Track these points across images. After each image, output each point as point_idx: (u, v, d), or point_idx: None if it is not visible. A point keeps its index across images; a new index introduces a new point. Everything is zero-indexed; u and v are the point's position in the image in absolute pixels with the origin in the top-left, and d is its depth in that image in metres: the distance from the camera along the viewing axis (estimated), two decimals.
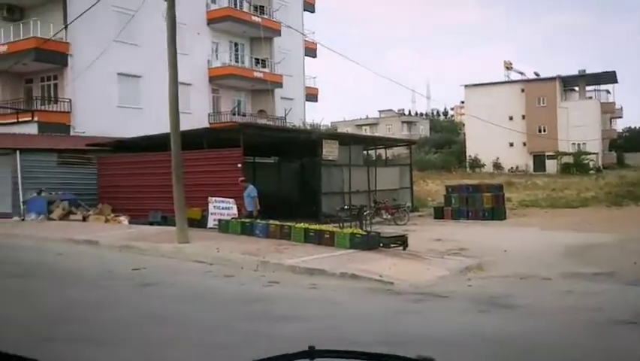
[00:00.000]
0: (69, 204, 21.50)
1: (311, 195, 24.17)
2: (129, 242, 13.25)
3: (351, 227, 14.24)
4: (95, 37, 27.30)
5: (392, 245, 13.13)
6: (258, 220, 14.33)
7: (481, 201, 24.19)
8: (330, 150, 22.12)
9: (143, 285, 9.35)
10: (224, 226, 15.09)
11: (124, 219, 19.80)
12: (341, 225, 15.06)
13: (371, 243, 12.38)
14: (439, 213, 24.87)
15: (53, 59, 27.19)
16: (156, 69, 31.92)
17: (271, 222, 14.10)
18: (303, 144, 24.00)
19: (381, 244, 12.61)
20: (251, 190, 16.11)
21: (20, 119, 25.85)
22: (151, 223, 18.36)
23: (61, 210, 20.99)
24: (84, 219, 20.40)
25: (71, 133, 27.38)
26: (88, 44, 27.58)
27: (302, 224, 13.72)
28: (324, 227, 13.14)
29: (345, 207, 16.29)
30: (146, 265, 11.02)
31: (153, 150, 20.80)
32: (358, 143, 25.87)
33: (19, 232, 16.67)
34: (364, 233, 12.53)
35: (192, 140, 19.32)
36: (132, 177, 20.82)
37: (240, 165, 18.67)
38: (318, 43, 43.60)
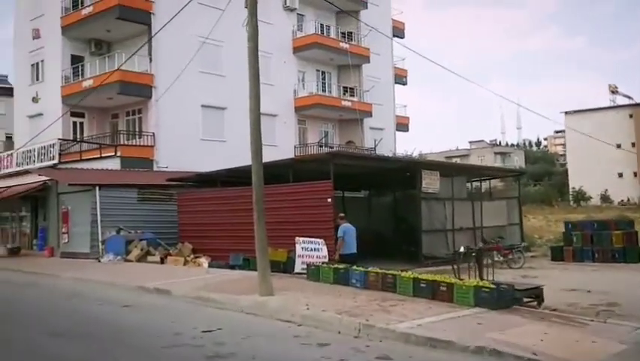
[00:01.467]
0: (147, 244, 20.04)
1: (407, 233, 21.52)
2: (205, 292, 11.19)
3: (470, 276, 11.46)
4: (178, 69, 26.32)
5: (525, 300, 10.29)
6: (355, 267, 11.87)
7: (609, 239, 20.56)
8: (431, 182, 19.42)
9: (214, 356, 7.12)
10: (314, 273, 12.75)
11: (204, 261, 17.98)
12: (455, 272, 12.32)
13: (503, 299, 9.58)
14: (557, 254, 21.41)
15: (137, 91, 26.47)
16: (241, 100, 30.50)
17: (371, 269, 11.61)
18: (398, 176, 21.48)
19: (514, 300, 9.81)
20: (347, 229, 13.76)
21: (103, 155, 25.09)
22: (232, 267, 16.35)
23: (139, 250, 19.53)
24: (162, 260, 18.80)
25: (154, 168, 26.35)
26: (172, 76, 26.60)
27: (409, 273, 11.13)
28: (438, 277, 10.48)
29: (462, 249, 13.49)
30: (221, 325, 8.83)
31: (235, 184, 19.06)
32: (461, 174, 22.94)
33: (90, 275, 15.15)
34: (493, 286, 9.77)
35: (277, 172, 17.39)
36: (213, 214, 19.07)
37: (329, 200, 16.42)
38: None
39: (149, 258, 18.97)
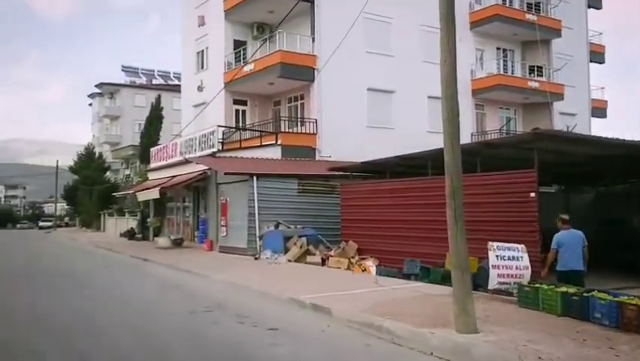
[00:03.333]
0: (308, 242, 17.63)
1: (623, 238, 16.76)
2: (376, 317, 8.17)
3: None
4: (343, 50, 23.69)
5: None
6: (598, 294, 8.02)
7: None
8: None
9: None
10: (528, 296, 9.11)
11: (371, 265, 15.01)
12: None
13: None
14: None
15: (299, 74, 24.37)
16: (411, 82, 27.66)
17: (625, 299, 7.70)
18: (617, 165, 16.75)
19: None
20: (567, 238, 9.94)
21: (264, 143, 23.35)
22: (406, 276, 13.17)
23: (299, 248, 17.18)
24: (323, 261, 16.21)
25: (316, 157, 24.10)
26: (336, 57, 24.11)
27: None
28: None
29: None
30: None
31: (408, 175, 15.92)
32: None
33: (241, 278, 12.93)
34: None
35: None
36: (382, 209, 16.05)
37: (533, 194, 12.54)
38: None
39: (309, 258, 16.50)
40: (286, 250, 17.47)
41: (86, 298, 11.12)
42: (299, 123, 25.78)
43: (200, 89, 28.74)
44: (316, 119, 24.44)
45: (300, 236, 17.87)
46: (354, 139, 24.35)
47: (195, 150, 23.73)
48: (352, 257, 16.23)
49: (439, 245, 13.64)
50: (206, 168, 21.99)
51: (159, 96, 46.16)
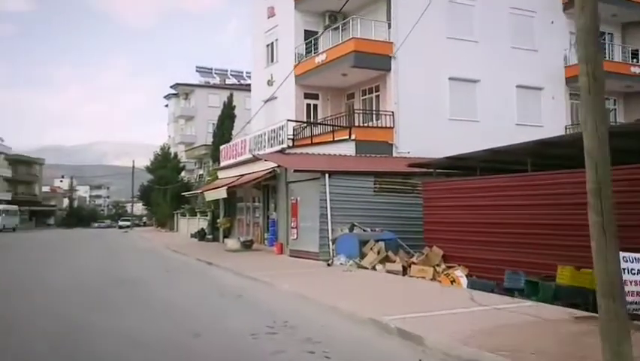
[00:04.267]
0: (386, 247, 15.78)
1: None
2: (484, 354, 6.26)
3: None
4: (422, 36, 21.68)
5: None
6: None
7: None
8: None
9: None
10: None
11: (460, 276, 12.93)
12: None
13: None
14: None
15: (374, 63, 22.53)
16: (497, 70, 25.08)
17: None
18: None
19: None
20: None
21: (337, 138, 21.64)
22: (509, 291, 11.03)
23: (376, 254, 15.35)
24: (404, 270, 14.28)
25: (393, 154, 22.17)
26: (414, 44, 22.14)
27: None
28: None
29: None
30: None
31: (498, 172, 13.85)
32: None
33: (312, 289, 11.22)
34: None
35: (556, 153, 11.77)
36: (472, 210, 13.94)
37: None
38: None
39: (388, 265, 14.61)
40: (362, 256, 15.69)
41: (137, 312, 9.79)
42: (374, 117, 23.93)
43: (269, 83, 27.43)
44: (393, 112, 22.51)
45: (377, 240, 16.03)
46: (435, 133, 22.26)
47: (264, 147, 22.38)
48: (437, 265, 14.22)
49: (547, 253, 11.47)
50: (275, 165, 20.56)
51: (231, 95, 45.58)
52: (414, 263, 14.51)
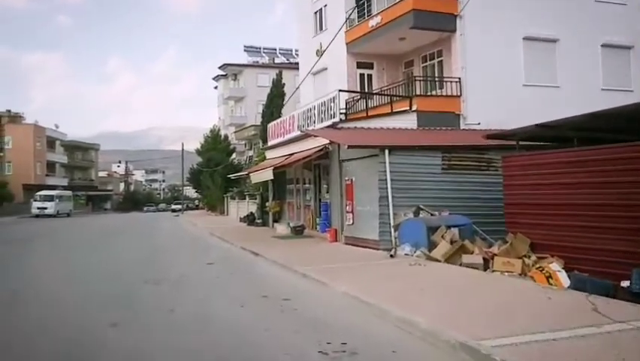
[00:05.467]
0: (460, 234, 13.30)
1: None
2: None
3: None
4: None
5: None
6: None
7: None
8: None
9: None
10: None
11: (558, 270, 10.35)
12: None
13: None
14: None
15: (436, 22, 19.82)
16: (579, 28, 21.62)
17: None
18: None
19: None
20: None
21: (395, 110, 19.12)
22: (634, 295, 8.40)
23: (449, 243, 12.88)
24: (485, 263, 11.78)
25: (460, 125, 19.49)
26: (481, 1, 19.34)
27: None
28: None
29: None
30: None
31: (594, 142, 11.13)
32: None
33: (378, 296, 8.87)
34: None
35: None
36: (569, 188, 11.28)
37: None
38: None
39: (465, 257, 12.12)
40: (431, 245, 13.25)
41: (161, 323, 7.77)
42: (437, 85, 21.25)
43: (318, 53, 25.02)
44: (459, 79, 19.76)
45: (448, 226, 13.55)
46: (508, 102, 19.50)
47: (314, 122, 20.09)
48: (525, 256, 11.69)
49: None
50: (326, 142, 18.27)
51: (280, 72, 43.44)
52: (496, 254, 11.99)
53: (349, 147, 14.99)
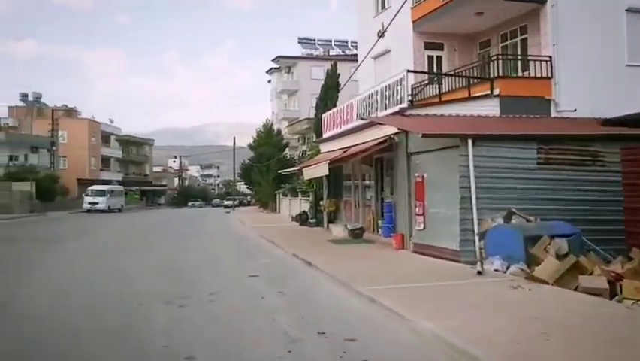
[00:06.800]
0: (569, 246, 10.42)
1: None
2: None
3: None
4: None
5: None
6: None
7: None
8: None
9: None
10: None
11: None
12: None
13: None
14: None
15: None
16: None
17: None
18: None
19: None
20: None
21: (473, 95, 16.24)
22: None
23: (554, 258, 10.02)
24: (610, 286, 8.86)
25: (552, 113, 16.41)
26: None
27: None
28: None
29: None
30: None
31: None
32: None
33: (477, 339, 6.22)
34: None
35: None
36: None
37: None
38: None
39: (583, 280, 9.19)
40: (530, 260, 10.44)
41: None
42: (519, 66, 18.23)
43: (380, 34, 22.27)
44: (550, 58, 16.66)
45: (551, 236, 10.68)
46: (609, 85, 16.32)
47: (376, 109, 17.46)
48: None
49: None
50: (392, 132, 15.62)
51: (335, 63, 40.94)
52: (621, 276, 9.10)
53: (424, 135, 12.23)
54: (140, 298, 9.16)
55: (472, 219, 11.89)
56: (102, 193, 54.26)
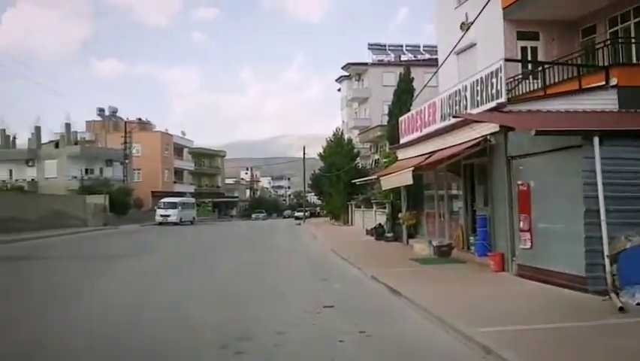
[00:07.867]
0: None
1: None
2: None
3: None
4: None
5: None
6: None
7: None
8: None
9: None
10: None
11: None
12: None
13: None
14: None
15: None
16: None
17: None
18: None
19: None
20: None
21: (585, 87, 13.63)
22: None
23: None
24: None
25: None
26: None
27: None
28: None
29: None
30: None
31: None
32: None
33: None
34: None
35: None
36: None
37: None
38: None
39: None
40: None
41: None
42: (634, 52, 15.41)
43: (464, 26, 19.89)
44: None
45: None
46: None
47: (466, 108, 15.16)
48: None
49: None
50: (487, 132, 13.29)
51: (408, 67, 38.75)
52: None
53: (537, 133, 9.81)
54: (189, 339, 7.37)
55: (602, 237, 9.40)
56: (174, 206, 54.06)
